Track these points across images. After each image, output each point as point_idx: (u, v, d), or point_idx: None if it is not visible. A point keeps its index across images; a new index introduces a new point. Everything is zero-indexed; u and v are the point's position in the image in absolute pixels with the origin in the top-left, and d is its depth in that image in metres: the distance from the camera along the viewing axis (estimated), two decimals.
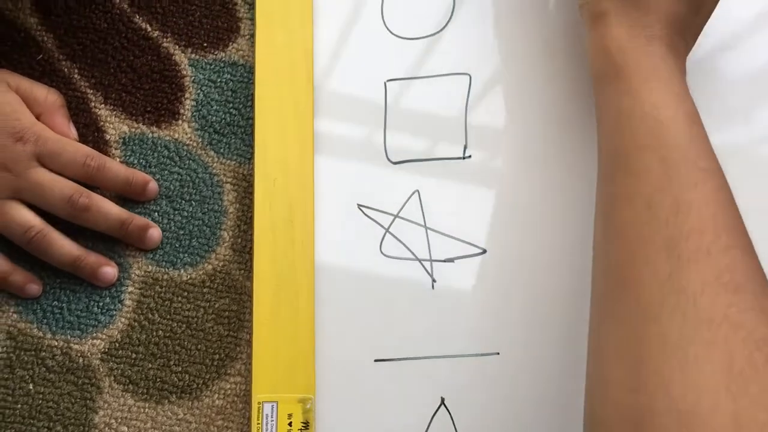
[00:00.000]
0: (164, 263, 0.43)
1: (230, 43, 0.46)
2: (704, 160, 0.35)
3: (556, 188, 0.45)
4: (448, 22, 0.47)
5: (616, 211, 0.36)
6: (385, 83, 0.46)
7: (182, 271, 0.44)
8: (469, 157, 0.45)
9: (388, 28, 0.47)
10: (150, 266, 0.43)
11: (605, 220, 0.37)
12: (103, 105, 0.45)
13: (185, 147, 0.45)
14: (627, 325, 0.33)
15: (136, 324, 0.43)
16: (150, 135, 0.45)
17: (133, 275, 0.43)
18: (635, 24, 0.38)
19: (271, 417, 0.40)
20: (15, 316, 0.42)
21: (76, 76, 0.45)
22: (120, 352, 0.42)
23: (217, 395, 0.42)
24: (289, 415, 0.41)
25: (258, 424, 0.40)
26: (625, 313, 0.34)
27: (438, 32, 0.47)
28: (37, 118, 0.43)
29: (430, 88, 0.46)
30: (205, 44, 0.46)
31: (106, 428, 0.41)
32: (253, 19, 0.46)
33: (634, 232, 0.35)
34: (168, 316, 0.43)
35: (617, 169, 0.37)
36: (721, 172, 0.36)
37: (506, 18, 0.47)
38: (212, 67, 0.46)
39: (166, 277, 0.43)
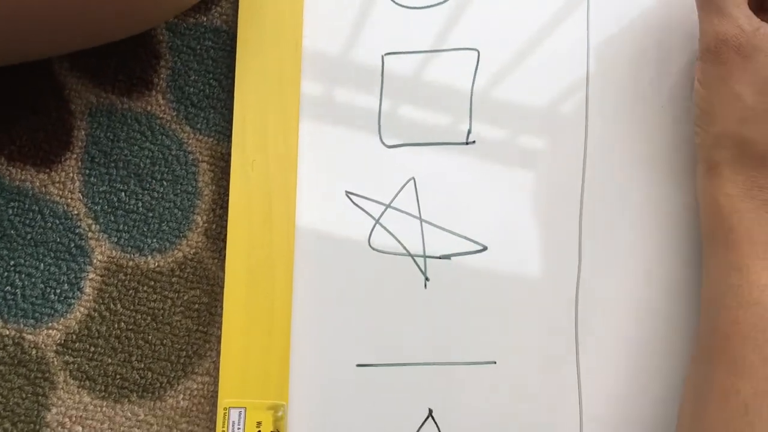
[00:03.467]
0: (130, 249, 0.39)
1: (213, 6, 0.42)
2: None
3: (569, 183, 0.40)
4: None
5: (708, 405, 0.33)
6: (382, 57, 0.41)
7: (149, 257, 0.40)
8: (473, 142, 0.40)
9: None
10: (114, 251, 0.39)
11: (695, 409, 0.34)
12: (69, 71, 0.41)
13: (158, 121, 0.41)
14: None
15: (96, 314, 0.39)
16: (120, 106, 0.41)
17: (95, 260, 0.39)
18: (752, 184, 0.34)
19: (238, 424, 0.37)
20: None
21: None
22: (77, 344, 0.39)
23: (182, 396, 0.39)
24: (258, 423, 0.37)
25: (223, 431, 0.37)
26: None
27: (445, 1, 0.42)
28: None
29: (433, 65, 0.41)
30: None
31: (59, 427, 0.38)
32: None
33: None
34: (132, 307, 0.39)
35: (716, 353, 0.33)
36: None
37: None
38: (192, 32, 0.41)
39: (131, 263, 0.39)
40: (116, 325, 0.39)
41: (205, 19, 0.42)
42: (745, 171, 0.34)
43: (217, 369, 0.38)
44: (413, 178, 0.40)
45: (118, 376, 0.39)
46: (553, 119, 0.41)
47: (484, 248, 0.40)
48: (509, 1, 0.42)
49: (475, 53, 0.41)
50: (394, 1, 0.42)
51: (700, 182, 0.36)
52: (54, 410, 0.38)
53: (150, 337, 0.39)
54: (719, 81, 0.35)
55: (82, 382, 0.38)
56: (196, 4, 0.41)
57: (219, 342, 0.39)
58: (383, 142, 0.40)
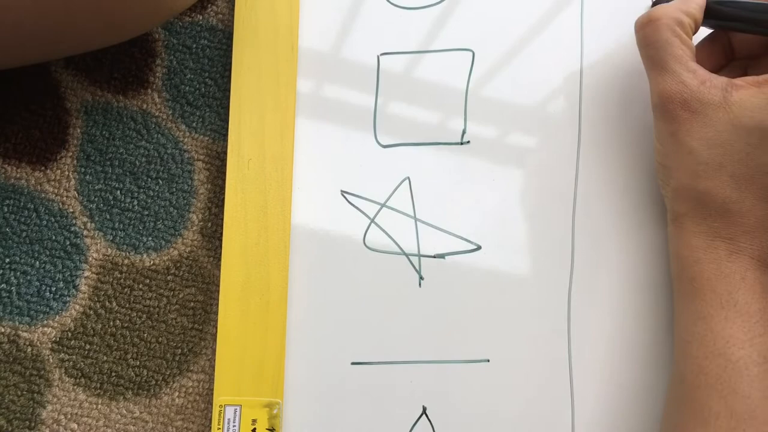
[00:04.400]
0: (125, 246, 0.40)
1: (209, 5, 0.42)
2: None
3: (562, 183, 0.40)
4: None
5: None
6: (378, 57, 0.41)
7: (145, 255, 0.40)
8: (468, 143, 0.41)
9: None
10: (109, 249, 0.39)
11: None
12: (64, 69, 0.41)
13: (154, 119, 0.41)
14: None
15: (91, 312, 0.39)
16: (115, 104, 0.41)
17: (90, 258, 0.39)
18: (714, 235, 0.34)
19: (233, 422, 0.37)
20: None
21: None
22: (72, 342, 0.39)
23: (177, 393, 0.39)
24: (254, 421, 0.37)
25: (219, 428, 0.37)
26: None
27: (440, 2, 0.42)
28: None
29: (428, 65, 0.41)
30: None
31: (55, 424, 0.38)
32: None
33: None
34: (127, 305, 0.39)
35: (684, 402, 0.33)
36: None
37: None
38: (187, 31, 0.41)
39: (126, 261, 0.39)
40: (111, 323, 0.39)
41: (200, 17, 0.42)
42: (706, 222, 0.34)
43: (212, 367, 0.39)
44: (408, 178, 0.41)
45: (113, 374, 0.39)
46: (547, 120, 0.41)
47: (478, 247, 0.40)
48: (504, 2, 0.42)
49: (470, 54, 0.41)
50: (390, 2, 0.42)
51: (669, 231, 0.37)
52: (49, 407, 0.38)
53: (145, 334, 0.39)
54: (670, 137, 0.35)
55: (78, 380, 0.38)
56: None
57: (214, 340, 0.39)
58: (378, 142, 0.41)
